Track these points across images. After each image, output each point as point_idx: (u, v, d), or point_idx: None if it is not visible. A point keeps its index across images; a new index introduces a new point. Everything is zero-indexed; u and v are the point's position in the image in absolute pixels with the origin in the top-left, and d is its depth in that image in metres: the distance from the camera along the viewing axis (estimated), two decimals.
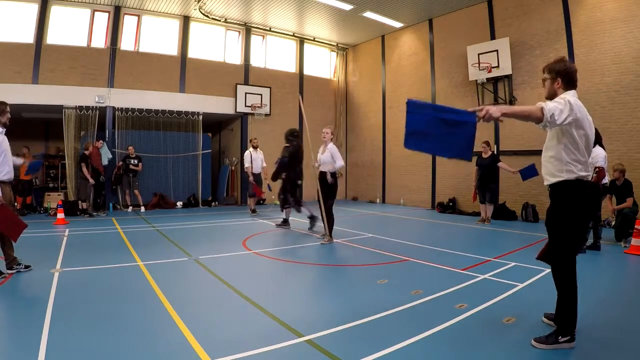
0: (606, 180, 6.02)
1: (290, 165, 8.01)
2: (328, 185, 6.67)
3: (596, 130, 6.17)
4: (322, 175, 6.76)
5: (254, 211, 10.72)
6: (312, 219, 7.96)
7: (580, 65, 8.93)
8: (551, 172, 2.82)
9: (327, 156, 6.72)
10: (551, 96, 2.83)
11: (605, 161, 5.91)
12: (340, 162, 6.68)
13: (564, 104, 2.61)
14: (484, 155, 9.23)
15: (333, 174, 6.69)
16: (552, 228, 2.84)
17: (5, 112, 4.55)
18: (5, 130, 4.60)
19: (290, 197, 8.00)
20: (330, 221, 6.71)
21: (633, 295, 4.10)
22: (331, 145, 6.83)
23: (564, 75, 2.79)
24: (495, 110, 2.48)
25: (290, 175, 8.03)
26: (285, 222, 8.29)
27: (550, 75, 2.83)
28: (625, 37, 8.26)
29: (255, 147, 10.60)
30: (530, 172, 7.87)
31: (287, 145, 8.22)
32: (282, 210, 8.38)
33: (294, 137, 8.19)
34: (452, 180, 11.76)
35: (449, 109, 2.65)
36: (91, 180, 9.87)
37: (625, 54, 8.29)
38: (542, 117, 2.54)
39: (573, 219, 2.75)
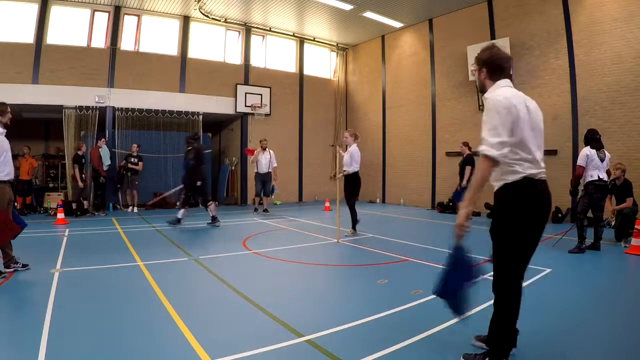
0: (594, 177, 5.91)
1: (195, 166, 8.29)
2: (351, 185, 7.25)
3: (594, 130, 6.20)
4: (346, 176, 7.28)
5: (266, 210, 10.81)
6: (214, 219, 8.32)
7: (580, 65, 8.95)
8: (495, 176, 2.40)
9: (347, 158, 7.24)
10: (482, 89, 2.59)
11: (588, 160, 5.87)
12: (353, 167, 7.17)
13: (495, 118, 2.28)
14: (464, 156, 9.62)
15: (349, 176, 7.24)
16: (496, 241, 2.45)
17: (5, 113, 4.57)
18: (6, 131, 4.61)
19: (199, 197, 8.31)
20: (354, 216, 7.31)
21: (633, 296, 4.09)
22: (352, 148, 7.26)
23: (488, 64, 2.50)
24: (458, 220, 2.31)
25: (192, 176, 8.30)
26: (179, 221, 8.35)
27: (476, 66, 2.57)
28: (625, 37, 8.25)
29: (263, 149, 10.68)
30: (456, 196, 9.18)
31: (189, 148, 8.48)
32: (181, 210, 8.49)
33: (195, 140, 8.49)
34: (452, 180, 11.71)
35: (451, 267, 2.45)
36: (80, 184, 9.79)
37: (625, 54, 8.28)
38: (492, 159, 2.24)
39: (518, 226, 2.35)
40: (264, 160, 10.65)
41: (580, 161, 5.92)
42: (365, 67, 15.10)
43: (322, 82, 15.47)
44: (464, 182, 9.07)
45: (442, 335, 2.99)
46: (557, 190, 5.69)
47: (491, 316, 2.50)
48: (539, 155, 2.40)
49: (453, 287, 2.41)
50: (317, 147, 15.10)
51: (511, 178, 2.35)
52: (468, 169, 9.12)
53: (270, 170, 10.70)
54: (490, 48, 2.55)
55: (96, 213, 10.17)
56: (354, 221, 7.35)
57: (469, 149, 9.51)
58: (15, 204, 10.18)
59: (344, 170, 7.26)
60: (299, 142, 14.74)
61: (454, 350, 2.74)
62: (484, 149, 2.28)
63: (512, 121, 2.29)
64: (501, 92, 2.39)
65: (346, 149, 7.44)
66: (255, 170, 10.77)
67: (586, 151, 5.93)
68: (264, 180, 10.72)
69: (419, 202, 12.74)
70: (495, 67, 2.50)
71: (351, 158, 7.17)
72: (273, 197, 12.37)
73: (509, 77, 2.52)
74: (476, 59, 2.59)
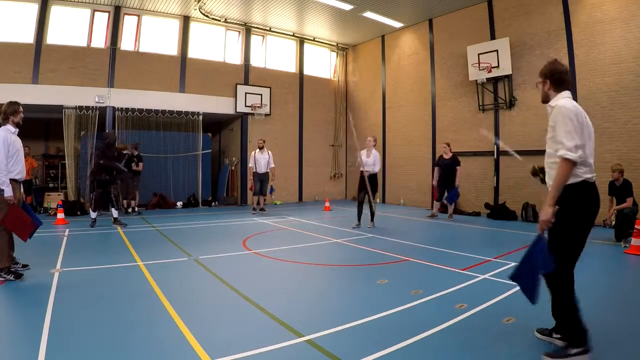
0: None
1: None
2: (373, 183, 8.24)
3: None
4: (370, 175, 8.22)
5: (262, 209, 10.86)
6: (94, 221, 8.40)
7: (580, 65, 8.95)
8: (552, 177, 2.67)
9: (371, 160, 8.24)
10: (545, 98, 2.85)
11: None
12: (377, 167, 8.29)
13: (568, 124, 2.55)
14: (445, 156, 9.87)
15: (372, 175, 8.25)
16: (555, 233, 2.64)
17: (17, 112, 4.55)
18: (18, 130, 4.60)
19: (100, 197, 8.46)
20: (373, 210, 8.46)
21: (633, 296, 4.09)
22: (375, 152, 8.36)
23: (551, 77, 2.78)
24: (544, 216, 2.53)
25: (95, 177, 8.56)
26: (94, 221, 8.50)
27: (541, 79, 2.85)
28: (625, 37, 8.25)
29: (260, 148, 10.71)
30: (452, 197, 9.60)
31: (125, 152, 8.96)
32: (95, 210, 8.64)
33: (106, 145, 8.67)
34: None
35: (530, 254, 2.63)
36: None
37: (625, 54, 8.28)
38: (572, 162, 2.50)
39: (577, 222, 2.62)
40: (263, 160, 10.69)
41: None
42: (365, 67, 15.10)
43: (322, 82, 15.47)
44: (457, 182, 9.61)
45: (442, 335, 2.99)
46: None
47: (552, 310, 2.75)
48: (592, 160, 2.68)
49: (530, 273, 2.60)
50: (317, 147, 15.11)
51: (572, 180, 2.60)
52: (459, 170, 9.63)
53: (268, 170, 10.74)
54: (553, 62, 2.83)
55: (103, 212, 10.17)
56: (372, 214, 8.41)
57: (450, 149, 9.91)
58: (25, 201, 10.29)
59: (368, 170, 8.13)
60: (299, 142, 14.73)
61: (454, 350, 2.74)
62: (563, 152, 2.53)
63: (581, 128, 2.58)
64: (567, 102, 2.67)
65: (366, 151, 8.35)
66: (254, 170, 10.77)
67: None
68: (262, 180, 10.75)
69: (419, 202, 12.74)
70: (557, 79, 2.77)
71: (375, 161, 8.22)
72: (273, 196, 12.39)
73: (569, 88, 2.80)
74: (540, 73, 2.86)
